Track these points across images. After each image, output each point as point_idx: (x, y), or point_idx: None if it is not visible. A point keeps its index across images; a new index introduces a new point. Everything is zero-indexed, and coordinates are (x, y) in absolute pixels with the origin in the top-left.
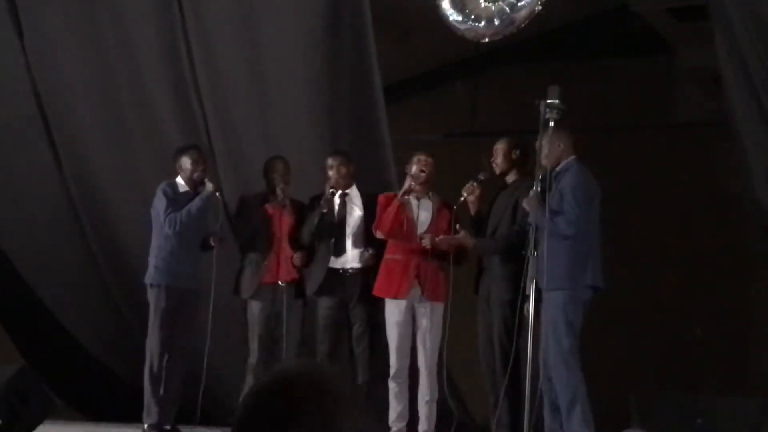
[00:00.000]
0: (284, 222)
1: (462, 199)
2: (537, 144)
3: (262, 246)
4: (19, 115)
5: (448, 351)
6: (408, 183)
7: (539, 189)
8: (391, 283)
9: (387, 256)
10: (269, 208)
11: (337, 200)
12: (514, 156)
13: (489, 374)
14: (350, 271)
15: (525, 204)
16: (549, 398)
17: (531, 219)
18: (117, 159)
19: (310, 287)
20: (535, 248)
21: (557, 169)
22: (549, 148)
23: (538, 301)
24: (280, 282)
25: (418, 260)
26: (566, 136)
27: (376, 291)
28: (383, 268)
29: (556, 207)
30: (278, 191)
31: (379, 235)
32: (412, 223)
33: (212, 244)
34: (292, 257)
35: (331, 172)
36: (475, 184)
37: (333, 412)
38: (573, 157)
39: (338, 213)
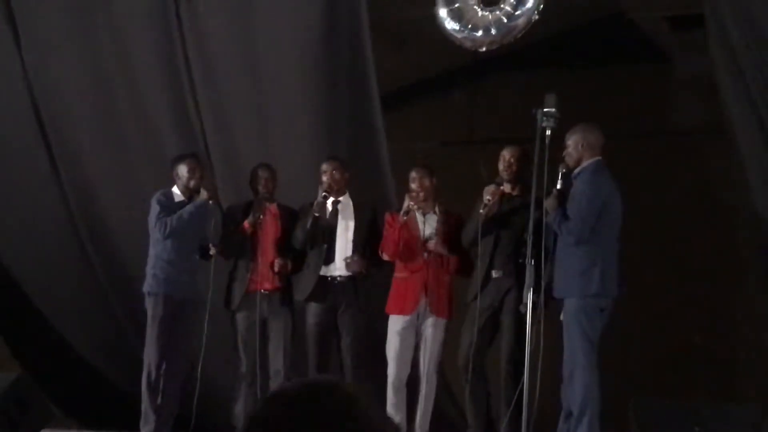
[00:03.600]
0: (268, 231)
1: (486, 202)
2: (565, 139)
3: (246, 257)
4: (16, 124)
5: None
6: (406, 203)
7: (560, 188)
8: (400, 301)
9: (396, 274)
10: (247, 224)
11: (329, 207)
12: (523, 164)
13: (474, 380)
14: (338, 278)
15: (546, 204)
16: (565, 403)
17: (547, 219)
18: (115, 168)
19: (300, 294)
20: (533, 257)
21: (577, 170)
22: (573, 146)
23: (534, 308)
24: (262, 290)
25: (425, 276)
26: (594, 135)
27: (388, 309)
28: (393, 287)
29: (569, 211)
30: (251, 214)
31: (385, 257)
32: (417, 240)
33: (211, 252)
34: (272, 264)
35: (324, 177)
36: (501, 187)
37: (360, 420)
38: (596, 158)
39: (329, 220)
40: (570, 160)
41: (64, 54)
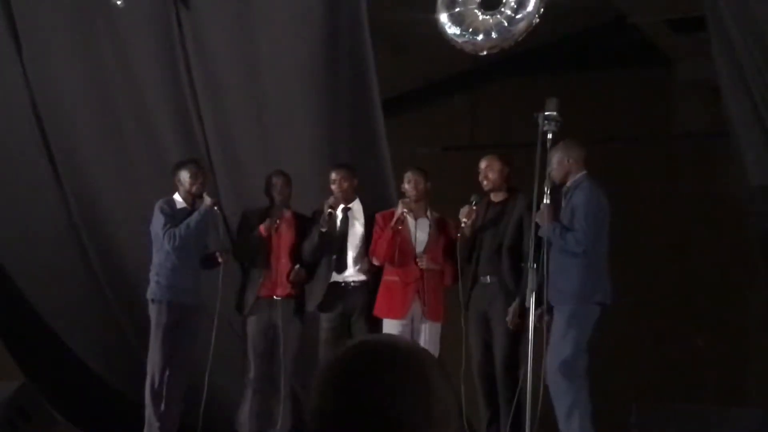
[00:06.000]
0: (282, 237)
1: (463, 225)
2: (549, 156)
3: (261, 262)
4: (18, 131)
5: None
6: (400, 210)
7: (549, 202)
8: (391, 303)
9: (385, 277)
10: (263, 228)
11: (339, 215)
12: (505, 174)
13: (485, 387)
14: (352, 284)
15: (537, 217)
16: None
17: (542, 233)
18: (116, 175)
19: (311, 303)
20: (535, 261)
21: (567, 184)
22: (558, 162)
23: (537, 312)
24: (275, 296)
25: (417, 280)
26: (577, 150)
27: (377, 311)
28: (382, 289)
29: (567, 223)
30: (267, 219)
31: (375, 262)
32: (409, 245)
33: (219, 260)
34: (288, 272)
35: (333, 187)
36: (474, 207)
37: (430, 383)
38: (584, 172)
39: (340, 227)
40: (557, 176)
41: (65, 62)
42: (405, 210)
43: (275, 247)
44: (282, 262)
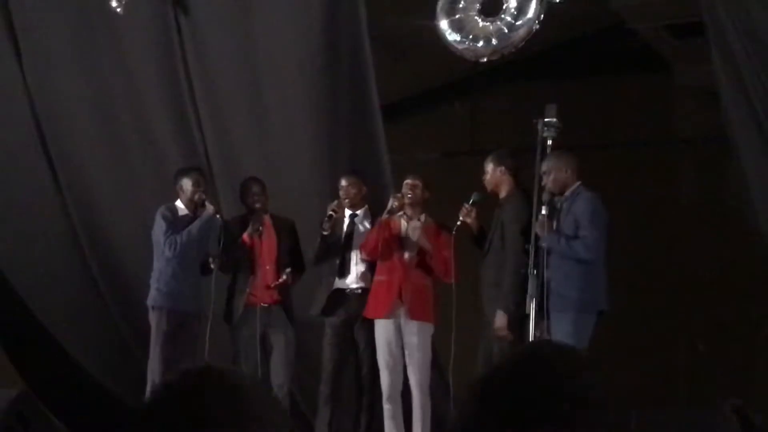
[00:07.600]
0: (265, 245)
1: (459, 222)
2: (543, 168)
3: (246, 271)
4: (17, 137)
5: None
6: (390, 203)
7: (546, 213)
8: (375, 302)
9: (375, 277)
10: (246, 237)
11: (346, 219)
12: (500, 172)
13: None
14: (355, 291)
15: (536, 228)
16: None
17: (543, 243)
18: (116, 181)
19: (315, 308)
20: (535, 267)
21: (566, 194)
22: (555, 174)
23: (537, 318)
24: (263, 304)
25: (401, 279)
26: (573, 161)
27: (366, 312)
28: (372, 290)
29: (570, 232)
30: (249, 227)
31: (363, 255)
32: (398, 243)
33: (212, 266)
34: (274, 278)
35: (341, 193)
36: (467, 205)
37: (246, 417)
38: (579, 182)
39: (345, 233)
40: (556, 186)
41: (65, 68)
42: (396, 203)
43: (258, 254)
44: (267, 270)
